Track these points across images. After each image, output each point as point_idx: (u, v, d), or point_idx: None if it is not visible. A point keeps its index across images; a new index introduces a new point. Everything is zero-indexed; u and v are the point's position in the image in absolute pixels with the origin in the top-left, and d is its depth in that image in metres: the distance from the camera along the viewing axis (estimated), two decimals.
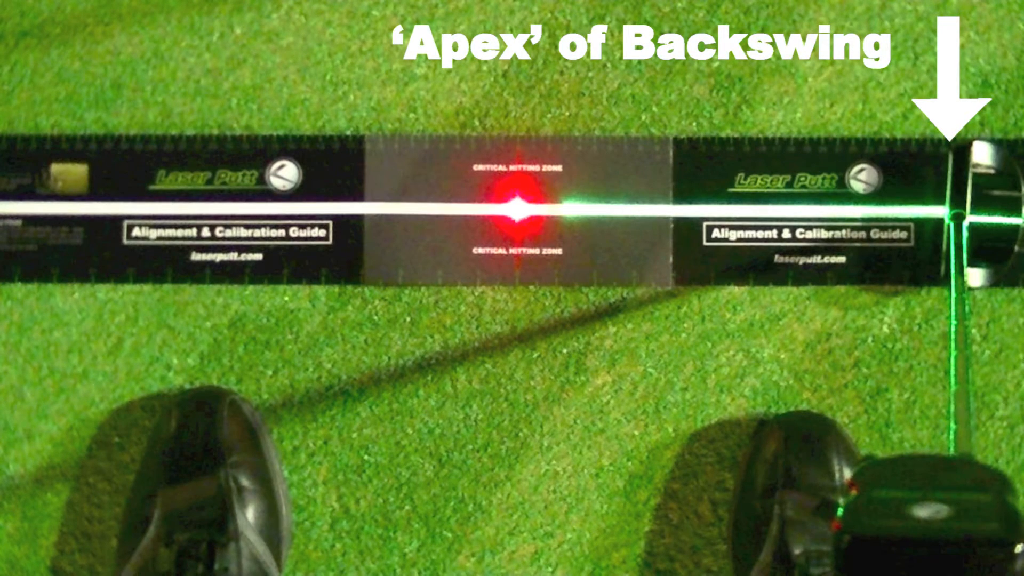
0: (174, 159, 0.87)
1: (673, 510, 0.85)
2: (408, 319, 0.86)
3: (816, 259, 0.86)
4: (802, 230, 0.87)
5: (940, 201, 0.86)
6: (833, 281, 0.86)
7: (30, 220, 0.87)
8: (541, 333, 0.86)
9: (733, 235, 0.86)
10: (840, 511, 0.54)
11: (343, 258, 0.87)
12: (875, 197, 0.86)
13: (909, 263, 0.86)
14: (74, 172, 0.87)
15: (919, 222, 0.86)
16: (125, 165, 0.87)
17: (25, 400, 0.86)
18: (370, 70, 0.88)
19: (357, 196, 0.87)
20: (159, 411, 0.84)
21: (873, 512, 0.54)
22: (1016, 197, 0.82)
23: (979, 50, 0.87)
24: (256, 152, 0.87)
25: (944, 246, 0.83)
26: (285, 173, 0.87)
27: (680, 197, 0.87)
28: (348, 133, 0.87)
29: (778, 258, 0.87)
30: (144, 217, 0.87)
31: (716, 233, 0.86)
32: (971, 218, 0.81)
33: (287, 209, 0.87)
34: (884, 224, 0.86)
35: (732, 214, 0.86)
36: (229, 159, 0.87)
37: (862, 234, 0.86)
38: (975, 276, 0.84)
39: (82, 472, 0.85)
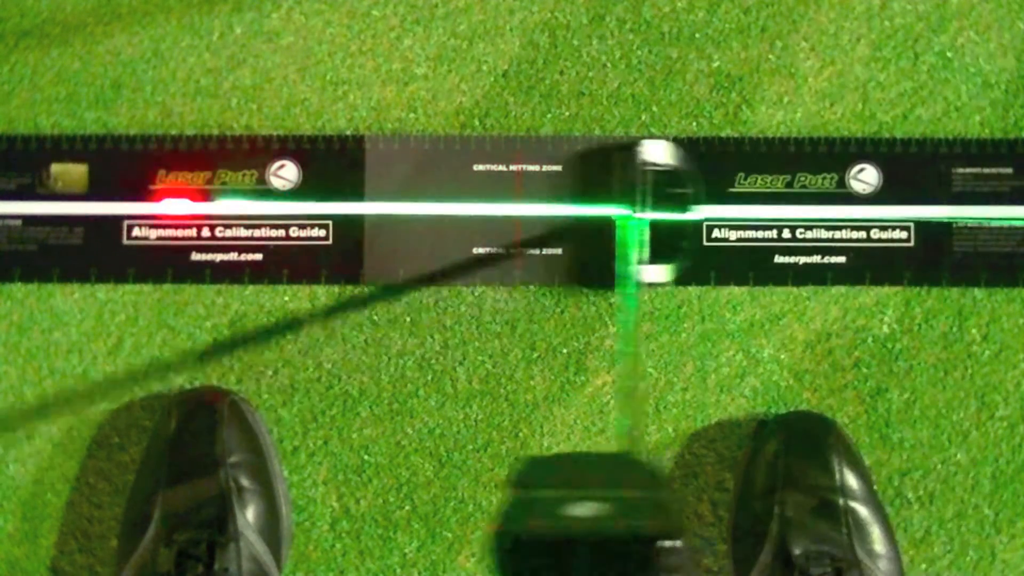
0: (174, 159, 0.87)
1: None
2: (408, 319, 0.86)
3: (816, 259, 0.86)
4: (802, 230, 0.87)
5: (941, 201, 0.86)
6: (833, 281, 0.86)
7: (30, 220, 0.87)
8: (541, 333, 0.86)
9: (733, 235, 0.86)
10: (498, 513, 0.53)
11: (343, 258, 0.87)
12: (875, 197, 0.86)
13: (909, 263, 0.86)
14: (74, 172, 0.87)
15: (919, 222, 0.86)
16: (125, 165, 0.87)
17: (25, 400, 0.86)
18: (370, 70, 0.88)
19: (357, 196, 0.87)
20: (159, 411, 0.84)
21: (530, 512, 0.53)
22: (686, 193, 0.83)
23: (979, 50, 0.87)
24: (256, 152, 0.87)
25: (619, 245, 0.84)
26: (285, 173, 0.87)
27: None
28: (348, 133, 0.87)
29: (778, 258, 0.87)
30: (144, 217, 0.87)
31: (716, 233, 0.86)
32: (645, 215, 0.83)
33: (287, 209, 0.87)
34: (884, 224, 0.86)
35: (732, 214, 0.86)
36: (229, 159, 0.87)
37: (862, 234, 0.86)
38: (655, 273, 0.84)
39: (82, 472, 0.85)
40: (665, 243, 0.84)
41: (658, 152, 0.83)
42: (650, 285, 0.85)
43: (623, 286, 0.76)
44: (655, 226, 0.83)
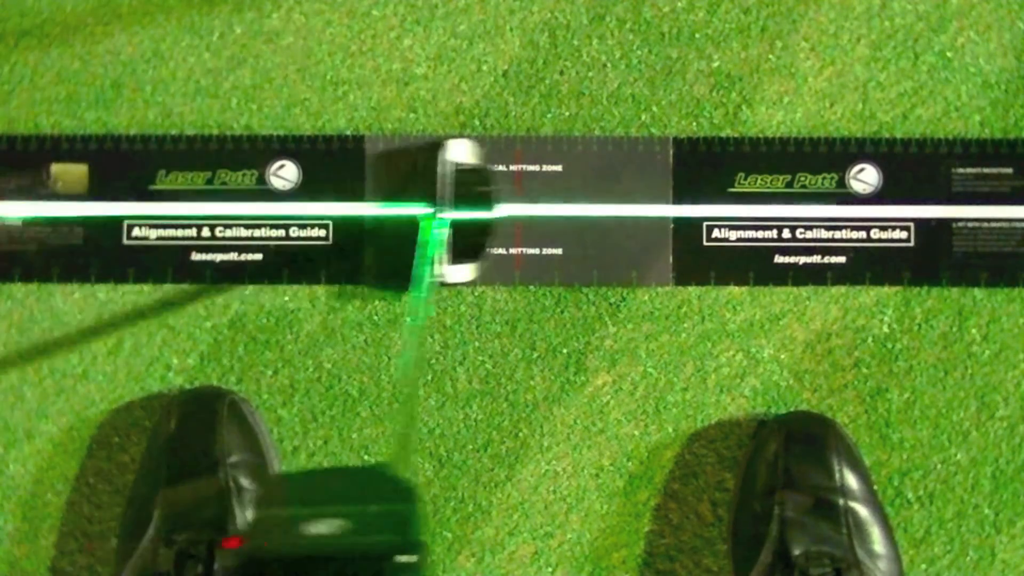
0: (174, 159, 0.87)
1: (673, 510, 0.85)
2: (408, 319, 0.86)
3: (816, 259, 0.86)
4: (802, 230, 0.87)
5: (941, 201, 0.86)
6: (833, 281, 0.86)
7: (30, 220, 0.87)
8: (541, 333, 0.86)
9: (733, 235, 0.86)
10: (244, 532, 0.53)
11: (343, 258, 0.87)
12: (875, 197, 0.86)
13: (909, 263, 0.86)
14: (74, 172, 0.87)
15: (919, 222, 0.86)
16: (125, 165, 0.87)
17: (25, 400, 0.86)
18: (370, 70, 0.88)
19: (357, 196, 0.87)
20: (159, 411, 0.84)
21: (268, 530, 0.53)
22: (490, 192, 0.84)
23: (979, 50, 0.87)
24: (256, 152, 0.87)
25: (419, 245, 0.82)
26: (285, 173, 0.87)
27: (680, 197, 0.87)
28: (348, 133, 0.87)
29: (778, 258, 0.87)
30: (144, 217, 0.87)
31: (716, 233, 0.86)
32: (447, 215, 0.82)
33: (287, 209, 0.87)
34: (884, 224, 0.86)
35: (732, 214, 0.86)
36: (229, 159, 0.87)
37: (862, 234, 0.86)
38: (457, 272, 0.84)
39: (82, 472, 0.85)
40: (469, 242, 0.83)
41: (461, 151, 0.83)
42: (452, 285, 0.85)
43: (416, 288, 0.75)
44: (460, 225, 0.82)
